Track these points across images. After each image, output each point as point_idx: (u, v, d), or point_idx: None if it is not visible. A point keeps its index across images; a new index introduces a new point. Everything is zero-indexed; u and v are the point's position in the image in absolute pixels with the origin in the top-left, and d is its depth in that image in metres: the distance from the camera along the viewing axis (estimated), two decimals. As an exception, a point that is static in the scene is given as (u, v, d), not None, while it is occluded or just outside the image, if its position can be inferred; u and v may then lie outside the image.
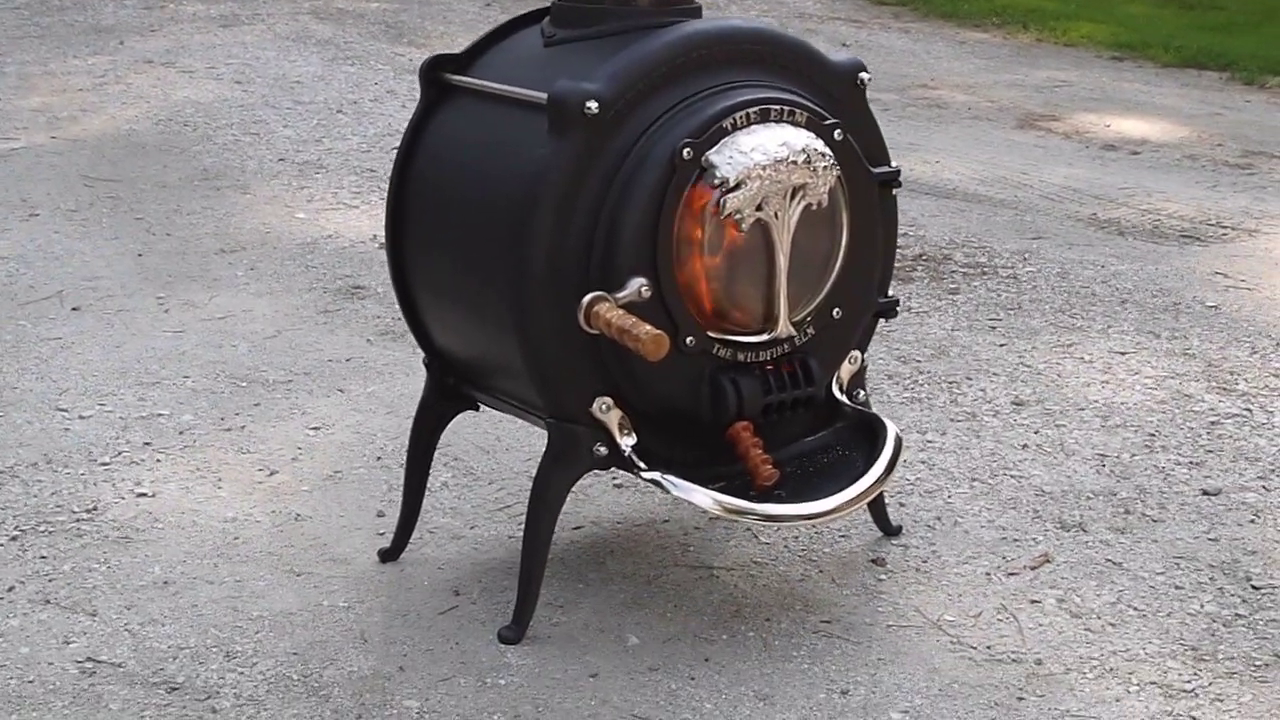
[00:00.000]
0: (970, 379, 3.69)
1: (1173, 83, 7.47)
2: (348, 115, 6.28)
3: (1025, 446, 3.32)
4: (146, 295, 4.22)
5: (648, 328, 2.33)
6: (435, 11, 8.72)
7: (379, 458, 3.25)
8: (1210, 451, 3.30)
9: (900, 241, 4.65)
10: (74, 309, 4.10)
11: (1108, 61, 7.98)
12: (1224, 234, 4.91)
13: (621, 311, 2.37)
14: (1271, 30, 8.62)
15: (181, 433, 3.36)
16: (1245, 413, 3.50)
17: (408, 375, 3.61)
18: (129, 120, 6.14)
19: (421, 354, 2.78)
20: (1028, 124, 6.51)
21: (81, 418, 3.42)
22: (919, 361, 3.80)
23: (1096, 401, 3.56)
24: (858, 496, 2.57)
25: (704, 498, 2.47)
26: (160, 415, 3.44)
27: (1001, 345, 3.92)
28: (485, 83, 2.63)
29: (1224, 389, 3.64)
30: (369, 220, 4.83)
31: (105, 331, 3.94)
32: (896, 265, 4.44)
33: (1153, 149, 6.08)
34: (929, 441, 3.34)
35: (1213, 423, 3.45)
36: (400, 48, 7.64)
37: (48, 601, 2.68)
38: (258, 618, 2.64)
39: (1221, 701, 2.43)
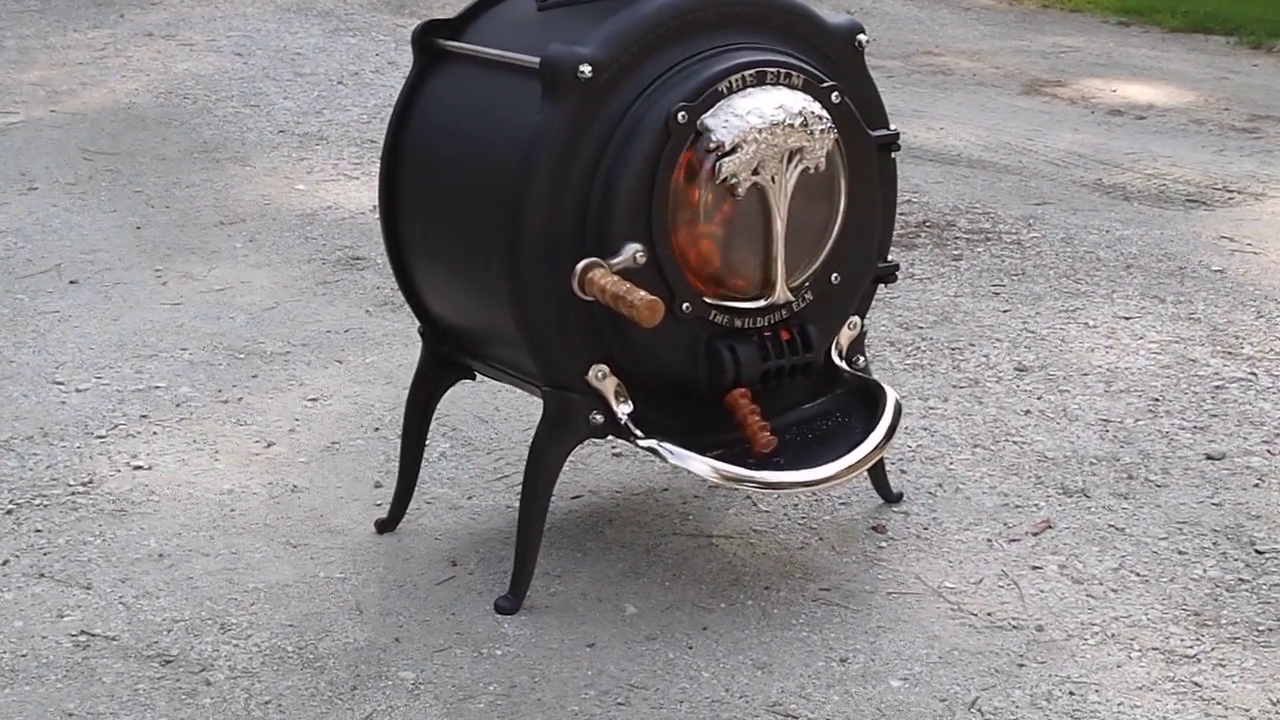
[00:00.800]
0: (973, 345, 3.67)
1: (1179, 47, 7.42)
2: (348, 86, 6.24)
3: (1028, 412, 3.30)
4: (145, 268, 4.19)
5: (642, 294, 2.30)
6: (437, -18, 8.67)
7: (377, 428, 3.23)
8: (1214, 416, 3.27)
9: (904, 208, 4.65)
10: (72, 282, 4.08)
11: (1114, 26, 7.93)
12: (1230, 198, 4.87)
13: (616, 278, 2.35)
14: (1279, -6, 8.55)
15: (178, 405, 3.34)
16: (1250, 377, 3.47)
17: (406, 346, 3.59)
18: (129, 93, 6.11)
19: (418, 324, 2.76)
20: (1033, 90, 6.47)
21: (78, 390, 3.40)
22: (921, 328, 3.77)
23: (1100, 367, 3.53)
24: (857, 463, 2.55)
25: (701, 465, 2.45)
26: (157, 388, 3.42)
27: (1005, 311, 3.89)
28: (478, 48, 2.61)
29: (1229, 353, 3.61)
30: (369, 191, 4.80)
31: (103, 304, 3.92)
32: (900, 232, 4.43)
33: (1159, 114, 6.04)
34: (931, 408, 3.32)
35: (1217, 387, 3.42)
36: (402, 18, 7.59)
37: (42, 575, 2.67)
38: (253, 590, 2.62)
39: (1224, 666, 2.41)
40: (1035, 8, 8.43)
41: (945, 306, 3.92)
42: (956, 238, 4.46)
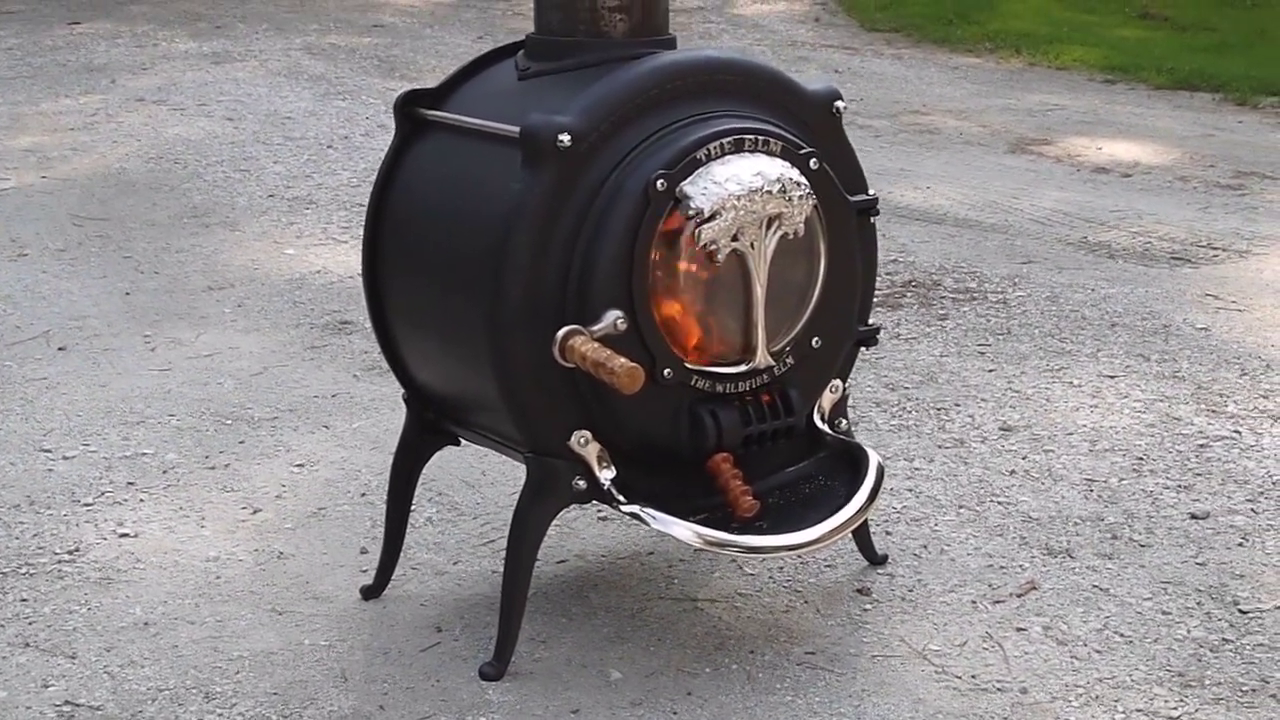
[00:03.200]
0: (959, 405, 3.68)
1: (1165, 104, 7.47)
2: (338, 150, 6.28)
3: (1013, 472, 3.31)
4: (133, 334, 4.21)
5: (622, 360, 2.32)
6: (427, 46, 8.73)
7: (363, 494, 3.23)
8: (1199, 475, 3.28)
9: (890, 268, 4.68)
10: (60, 349, 4.09)
11: (1100, 84, 7.98)
12: (1215, 255, 4.90)
13: (596, 345, 2.36)
14: (1263, 51, 8.62)
15: (165, 472, 3.35)
16: (1234, 435, 3.48)
17: (393, 411, 3.59)
18: (119, 159, 6.14)
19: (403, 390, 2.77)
20: (1019, 148, 6.51)
21: (65, 458, 3.41)
22: (907, 388, 3.78)
23: (1085, 426, 3.54)
24: (840, 526, 2.55)
25: (684, 530, 2.46)
26: (144, 454, 3.43)
27: (990, 371, 3.90)
28: (459, 117, 2.63)
29: (1213, 411, 3.62)
30: (357, 255, 4.79)
31: (91, 371, 3.94)
32: (886, 291, 4.46)
33: (1144, 171, 6.07)
34: (916, 469, 3.33)
35: (1201, 445, 3.43)
36: (392, 82, 7.64)
37: (27, 644, 2.67)
38: (238, 658, 2.62)
39: (1208, 728, 2.42)
40: (1021, 66, 8.49)
41: (931, 366, 3.93)
42: (942, 297, 4.48)
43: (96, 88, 7.46)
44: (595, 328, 2.38)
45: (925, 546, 2.99)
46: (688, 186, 2.41)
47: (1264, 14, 9.74)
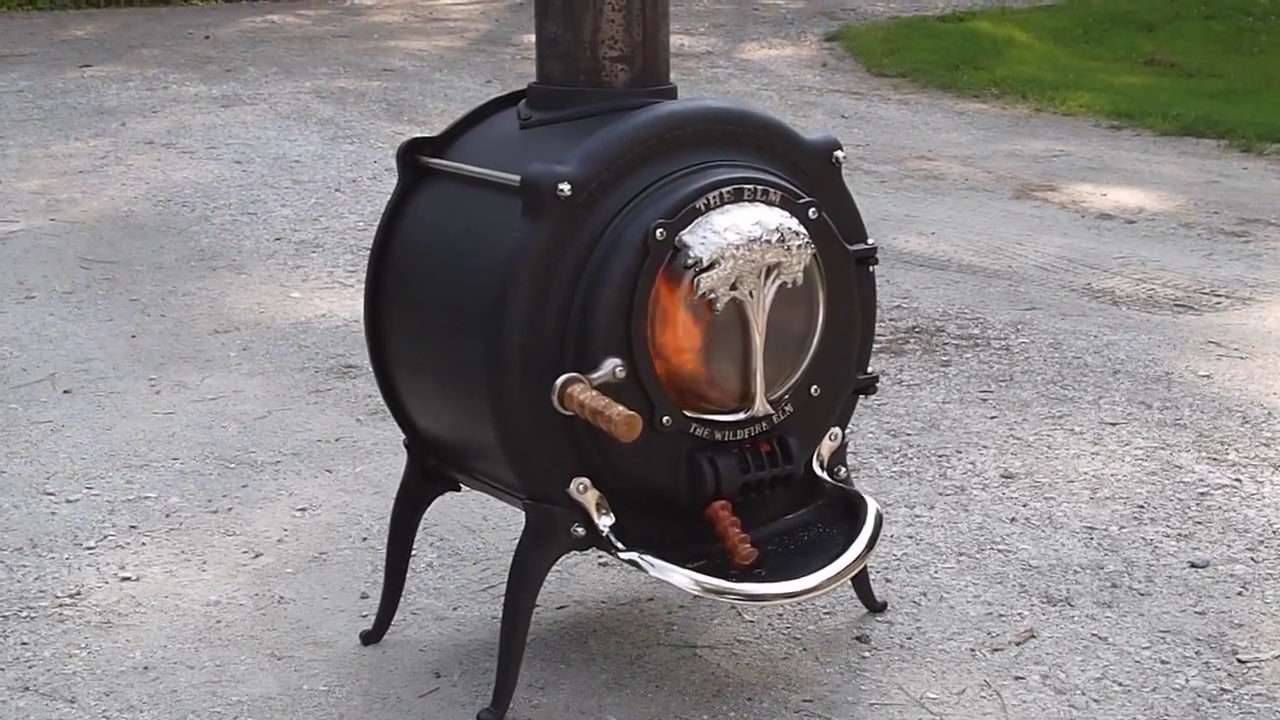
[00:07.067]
0: (960, 452, 3.68)
1: (1170, 150, 7.50)
2: (346, 194, 6.31)
3: (1014, 520, 3.31)
4: (139, 377, 4.23)
5: (620, 409, 2.33)
6: (436, 90, 8.78)
7: (365, 538, 3.24)
8: (1199, 523, 3.28)
9: (894, 314, 4.70)
10: (65, 391, 4.11)
11: (1106, 130, 8.01)
12: (1218, 303, 4.91)
13: (595, 393, 2.37)
14: (1269, 97, 8.65)
15: (168, 515, 3.36)
16: (1235, 483, 3.48)
17: (396, 455, 3.60)
18: (128, 201, 6.17)
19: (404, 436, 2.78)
20: (1024, 194, 6.53)
21: (69, 501, 3.42)
22: (909, 435, 3.79)
23: (1086, 473, 3.55)
24: (838, 574, 2.56)
25: (682, 578, 2.46)
26: (147, 498, 3.44)
27: (992, 417, 3.91)
28: (461, 165, 2.65)
29: (1214, 459, 3.62)
30: (362, 299, 4.83)
31: (96, 414, 3.95)
32: (889, 338, 4.47)
33: (1149, 218, 6.09)
34: (917, 516, 3.33)
35: (1202, 494, 3.43)
36: (400, 125, 7.69)
37: (26, 689, 2.67)
38: (236, 703, 2.63)
39: (1205, 779, 2.41)
40: (1028, 112, 8.51)
41: (933, 413, 3.94)
42: (945, 343, 4.49)
43: (106, 131, 7.51)
44: (594, 375, 2.39)
45: (925, 594, 2.99)
46: (687, 236, 2.42)
47: (1271, 61, 9.79)
